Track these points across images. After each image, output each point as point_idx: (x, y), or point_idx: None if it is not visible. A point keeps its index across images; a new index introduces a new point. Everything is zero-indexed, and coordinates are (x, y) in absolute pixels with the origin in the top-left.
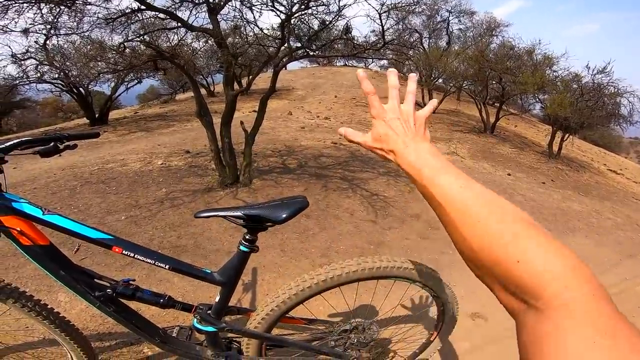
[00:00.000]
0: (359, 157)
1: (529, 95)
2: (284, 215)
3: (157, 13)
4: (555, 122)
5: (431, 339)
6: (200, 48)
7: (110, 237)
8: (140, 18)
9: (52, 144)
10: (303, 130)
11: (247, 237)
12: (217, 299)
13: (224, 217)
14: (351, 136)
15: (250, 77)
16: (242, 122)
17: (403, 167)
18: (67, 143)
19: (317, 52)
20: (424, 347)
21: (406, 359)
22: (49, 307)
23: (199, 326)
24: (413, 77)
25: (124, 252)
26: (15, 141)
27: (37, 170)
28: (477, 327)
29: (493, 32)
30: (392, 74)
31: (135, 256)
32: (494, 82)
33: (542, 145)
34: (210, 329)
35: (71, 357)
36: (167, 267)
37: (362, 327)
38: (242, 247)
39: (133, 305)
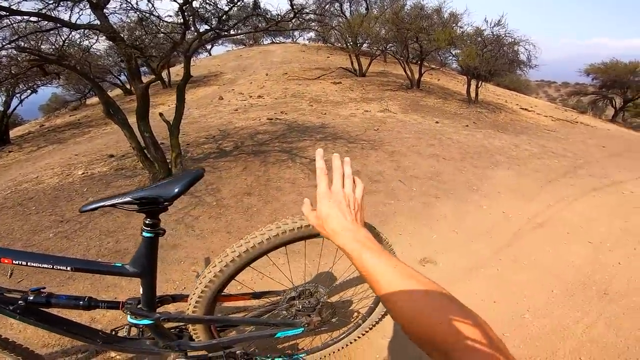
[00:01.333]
0: (296, 127)
1: (444, 51)
2: (176, 190)
3: (26, 17)
4: (468, 72)
5: None
6: (91, 46)
7: None
8: (9, 23)
9: None
10: (236, 112)
11: (146, 221)
12: (141, 291)
13: (113, 205)
14: (304, 209)
15: (161, 66)
16: (161, 114)
17: (341, 246)
18: None
19: (229, 32)
20: (377, 299)
21: (364, 314)
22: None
23: (133, 321)
24: (348, 162)
25: (14, 261)
26: None
27: None
28: (428, 271)
29: None
30: (336, 159)
31: (29, 264)
32: (412, 41)
33: (462, 94)
34: (145, 321)
35: None
36: (68, 268)
37: (308, 292)
38: (145, 234)
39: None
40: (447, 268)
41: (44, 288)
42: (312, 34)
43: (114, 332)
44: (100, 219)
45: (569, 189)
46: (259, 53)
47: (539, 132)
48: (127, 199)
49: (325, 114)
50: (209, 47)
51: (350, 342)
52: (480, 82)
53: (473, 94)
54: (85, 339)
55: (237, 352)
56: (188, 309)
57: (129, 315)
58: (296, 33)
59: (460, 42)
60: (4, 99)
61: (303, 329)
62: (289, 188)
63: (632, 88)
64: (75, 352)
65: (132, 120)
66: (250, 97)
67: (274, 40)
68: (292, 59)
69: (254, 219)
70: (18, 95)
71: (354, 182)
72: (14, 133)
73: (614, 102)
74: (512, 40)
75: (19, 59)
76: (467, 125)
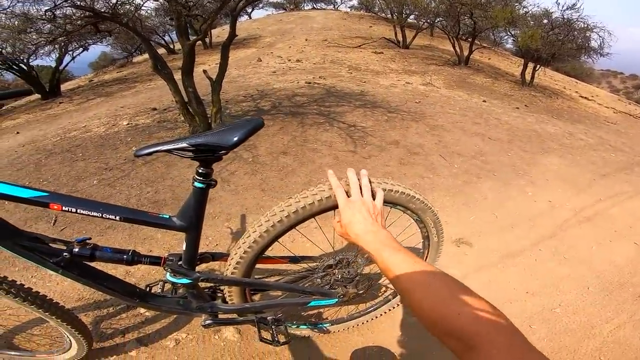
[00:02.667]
0: (334, 93)
1: (500, 29)
2: (235, 139)
3: None
4: (526, 54)
5: None
6: (143, 3)
7: (44, 193)
8: None
9: None
10: (275, 74)
11: (200, 170)
12: (184, 247)
13: (168, 151)
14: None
15: (208, 25)
16: (205, 71)
17: (364, 247)
18: None
19: None
20: None
21: (394, 290)
22: (19, 284)
23: (172, 279)
24: (365, 174)
25: (64, 208)
26: None
27: None
28: (462, 253)
29: None
30: (350, 173)
31: (78, 211)
32: (465, 17)
33: (515, 75)
34: (184, 280)
35: (66, 336)
36: (117, 217)
37: (346, 262)
38: (196, 184)
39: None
40: (482, 251)
41: (90, 239)
42: (354, 2)
43: (148, 288)
44: (142, 168)
45: (623, 185)
46: (299, 18)
47: (597, 122)
48: (183, 144)
49: (364, 82)
50: (250, 10)
51: (376, 317)
52: (538, 65)
53: (528, 77)
54: (123, 296)
55: (268, 317)
56: (227, 269)
57: (168, 273)
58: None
59: (522, 22)
60: (57, 55)
61: (337, 299)
62: (326, 150)
63: None
64: (107, 306)
65: (177, 77)
66: (289, 60)
67: (314, 6)
68: (333, 26)
69: (289, 178)
70: (70, 52)
71: (372, 191)
72: (64, 87)
73: None
74: (585, 25)
75: (73, 17)
76: (517, 108)
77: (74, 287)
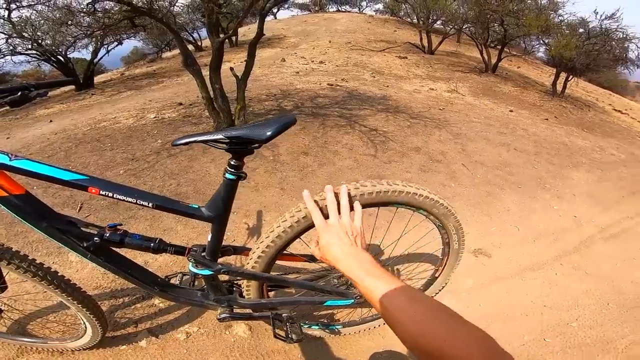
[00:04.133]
0: (356, 96)
1: (532, 38)
2: (269, 133)
3: None
4: (559, 64)
5: (436, 275)
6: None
7: (84, 177)
8: None
9: (19, 93)
10: (297, 75)
11: (232, 162)
12: (209, 238)
13: (204, 142)
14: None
15: (237, 23)
16: (231, 68)
17: (345, 273)
18: (37, 91)
19: None
20: (428, 283)
21: None
22: (46, 267)
23: (194, 270)
24: (344, 192)
25: (101, 192)
26: None
27: (30, 138)
28: (480, 264)
29: None
30: (329, 192)
31: (115, 195)
32: (495, 24)
33: (545, 85)
34: (206, 272)
35: (82, 320)
36: (150, 204)
37: None
38: (227, 175)
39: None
40: (501, 263)
41: (121, 225)
42: (379, 6)
43: (167, 279)
44: (166, 161)
45: None
46: (323, 20)
47: (630, 137)
48: (219, 136)
49: (387, 86)
50: (275, 10)
51: None
52: (571, 75)
53: (560, 87)
54: (145, 285)
55: (284, 314)
56: (248, 263)
57: (191, 263)
58: (364, 2)
59: (557, 31)
60: (93, 48)
61: (354, 300)
62: (346, 153)
63: None
64: (123, 296)
65: (204, 73)
66: (312, 62)
67: (339, 8)
68: (357, 29)
69: (308, 178)
70: (106, 45)
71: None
72: (97, 79)
73: None
74: (624, 35)
75: (112, 11)
76: (546, 119)
77: (93, 276)
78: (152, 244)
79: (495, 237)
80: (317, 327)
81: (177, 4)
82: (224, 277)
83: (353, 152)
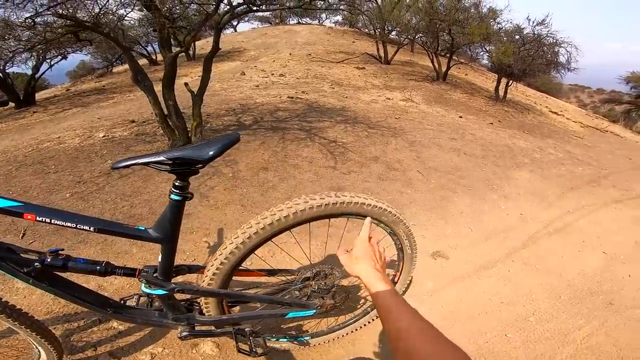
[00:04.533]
0: (316, 108)
1: (476, 45)
2: (212, 153)
3: None
4: (500, 70)
5: (395, 280)
6: (127, 14)
7: (18, 203)
8: None
9: None
10: (257, 88)
11: (176, 183)
12: (159, 259)
13: (145, 164)
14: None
15: (192, 38)
16: (186, 84)
17: (365, 280)
18: None
19: (261, 7)
20: None
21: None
22: None
23: (147, 290)
24: (367, 225)
25: (37, 218)
26: None
27: None
28: (439, 266)
29: None
30: (367, 220)
31: (52, 221)
32: (444, 33)
33: (490, 91)
34: (159, 292)
35: (34, 344)
36: (92, 229)
37: (323, 274)
38: (173, 196)
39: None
40: (458, 264)
41: (62, 250)
42: (339, 17)
43: (122, 302)
44: (118, 182)
45: (591, 198)
46: (284, 32)
47: (566, 137)
48: (161, 158)
49: (346, 97)
50: (235, 23)
51: (356, 329)
52: (511, 80)
53: (501, 92)
54: (95, 308)
55: (246, 329)
56: (204, 281)
57: (143, 284)
58: (323, 15)
59: (496, 38)
60: (34, 62)
61: (315, 310)
62: (306, 166)
63: None
64: (77, 319)
65: (157, 88)
66: (272, 74)
67: (300, 20)
68: (317, 40)
69: (269, 194)
70: (48, 60)
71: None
72: (40, 96)
73: None
74: (554, 40)
75: (54, 25)
76: (491, 123)
77: (42, 301)
78: (98, 267)
79: (451, 239)
80: (285, 340)
81: (127, 18)
82: (183, 296)
83: (313, 164)
